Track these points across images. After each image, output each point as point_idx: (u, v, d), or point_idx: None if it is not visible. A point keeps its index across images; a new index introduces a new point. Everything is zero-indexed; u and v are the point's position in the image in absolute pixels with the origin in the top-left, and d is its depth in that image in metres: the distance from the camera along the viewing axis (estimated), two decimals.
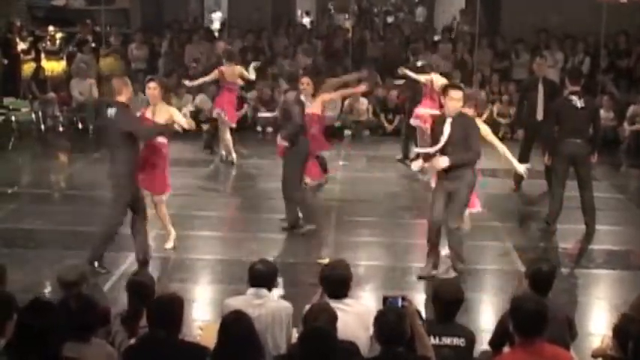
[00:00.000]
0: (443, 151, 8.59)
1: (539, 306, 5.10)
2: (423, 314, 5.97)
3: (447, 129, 8.56)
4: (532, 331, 5.03)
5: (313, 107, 10.63)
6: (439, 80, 12.73)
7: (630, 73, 17.57)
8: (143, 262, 8.92)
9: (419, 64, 13.79)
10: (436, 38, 19.94)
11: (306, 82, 10.47)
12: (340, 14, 26.99)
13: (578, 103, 10.31)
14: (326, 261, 6.08)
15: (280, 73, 17.09)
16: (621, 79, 17.31)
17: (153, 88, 9.22)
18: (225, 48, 15.16)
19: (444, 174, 8.67)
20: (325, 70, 16.28)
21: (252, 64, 14.06)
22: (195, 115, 16.72)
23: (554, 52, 17.45)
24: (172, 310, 5.23)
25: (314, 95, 10.66)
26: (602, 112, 16.17)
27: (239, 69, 13.74)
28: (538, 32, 18.24)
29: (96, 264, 8.76)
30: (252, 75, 13.82)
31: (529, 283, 5.97)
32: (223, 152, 14.05)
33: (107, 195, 9.11)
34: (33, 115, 16.66)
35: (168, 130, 9.06)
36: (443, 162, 8.49)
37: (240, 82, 13.94)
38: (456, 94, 8.61)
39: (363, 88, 12.69)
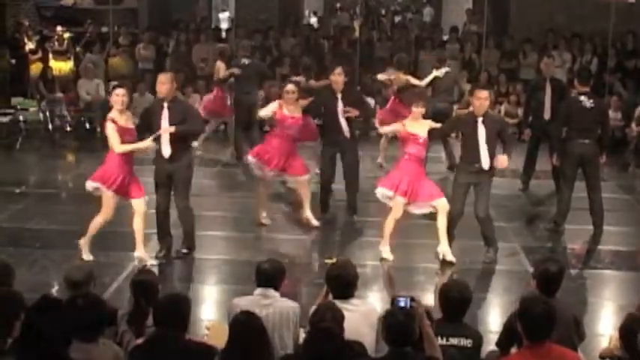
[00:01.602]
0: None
1: (548, 308, 5.08)
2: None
3: (481, 129, 9.02)
4: (540, 334, 5.02)
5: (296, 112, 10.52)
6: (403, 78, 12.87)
7: (638, 73, 17.52)
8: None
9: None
10: (444, 38, 19.91)
11: (291, 90, 10.34)
12: (347, 13, 26.99)
13: (588, 103, 10.31)
14: (333, 261, 6.06)
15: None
16: (629, 80, 17.25)
17: (122, 95, 8.92)
18: (221, 46, 15.30)
19: (466, 166, 9.23)
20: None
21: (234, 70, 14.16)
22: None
23: (561, 52, 17.41)
24: (179, 309, 5.23)
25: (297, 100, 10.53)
26: (610, 112, 16.17)
27: (219, 65, 14.17)
28: (546, 32, 18.22)
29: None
30: (222, 73, 14.07)
31: (536, 284, 5.95)
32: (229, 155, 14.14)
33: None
34: (40, 115, 16.69)
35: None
36: (504, 161, 9.10)
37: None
38: (482, 94, 9.12)
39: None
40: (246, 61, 14.04)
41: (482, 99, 9.05)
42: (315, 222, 10.51)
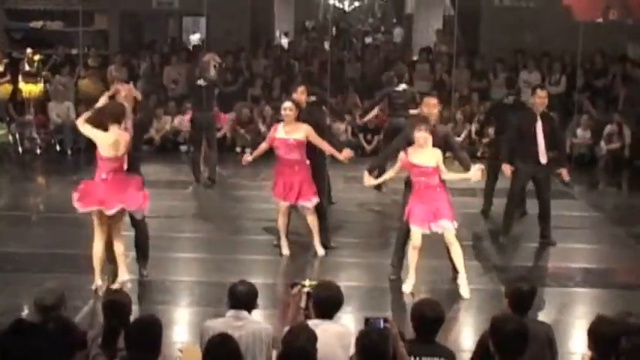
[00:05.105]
0: None
1: (520, 326, 5.10)
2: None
3: None
4: (513, 352, 5.03)
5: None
6: None
7: (607, 92, 17.72)
8: None
9: (400, 88, 13.53)
10: (414, 58, 20.00)
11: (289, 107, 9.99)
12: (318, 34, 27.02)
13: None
14: (307, 282, 6.05)
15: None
16: (598, 99, 17.43)
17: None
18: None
19: None
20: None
21: None
22: (174, 136, 16.84)
23: (530, 71, 17.55)
24: (151, 332, 5.21)
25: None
26: (579, 131, 16.36)
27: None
28: (515, 52, 18.37)
29: None
30: None
31: (508, 303, 5.96)
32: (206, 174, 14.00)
33: (85, 218, 9.07)
34: (10, 138, 16.58)
35: None
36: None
37: None
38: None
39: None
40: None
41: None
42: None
